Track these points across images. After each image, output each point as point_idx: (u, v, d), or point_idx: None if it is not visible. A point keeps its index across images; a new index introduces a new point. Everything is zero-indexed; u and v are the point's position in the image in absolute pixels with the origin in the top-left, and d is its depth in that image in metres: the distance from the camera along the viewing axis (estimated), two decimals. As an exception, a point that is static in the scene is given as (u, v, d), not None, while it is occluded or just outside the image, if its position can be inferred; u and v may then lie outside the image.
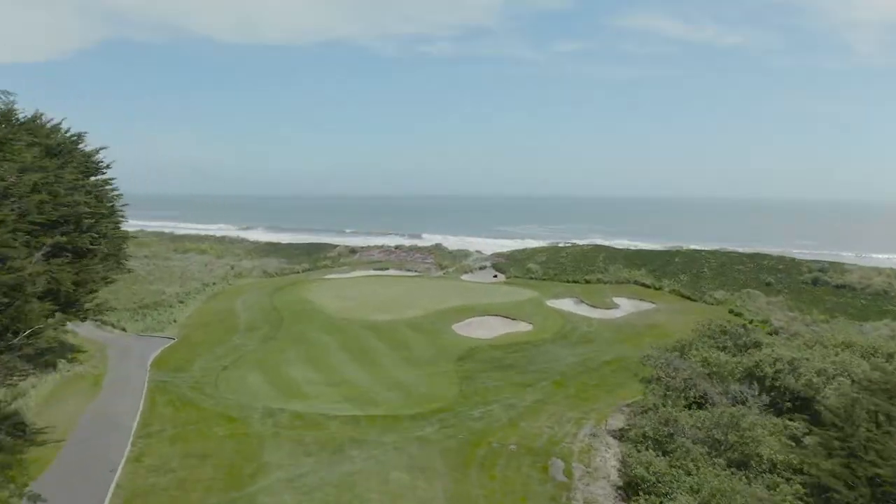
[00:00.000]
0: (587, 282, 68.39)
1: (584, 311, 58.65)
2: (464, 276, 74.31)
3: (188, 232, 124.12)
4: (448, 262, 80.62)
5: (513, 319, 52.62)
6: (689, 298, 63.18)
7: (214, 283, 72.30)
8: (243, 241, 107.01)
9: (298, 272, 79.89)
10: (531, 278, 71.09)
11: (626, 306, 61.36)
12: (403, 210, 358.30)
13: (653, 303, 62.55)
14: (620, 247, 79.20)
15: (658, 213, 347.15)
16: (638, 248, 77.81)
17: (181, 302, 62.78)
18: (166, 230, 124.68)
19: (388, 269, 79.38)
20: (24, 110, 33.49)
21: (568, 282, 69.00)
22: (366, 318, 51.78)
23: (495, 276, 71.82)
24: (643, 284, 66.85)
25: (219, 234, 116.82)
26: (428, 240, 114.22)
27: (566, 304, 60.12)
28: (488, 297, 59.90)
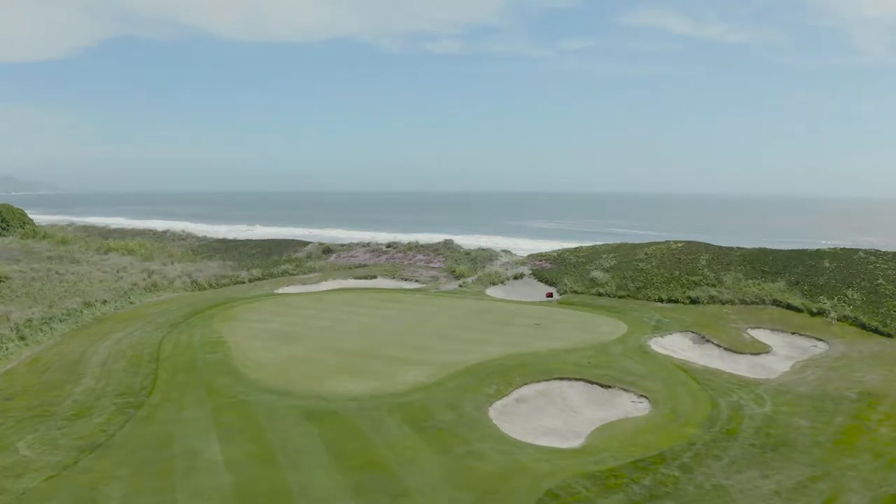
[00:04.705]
0: (693, 301, 42.42)
1: (717, 358, 32.86)
2: (491, 291, 48.31)
3: (130, 227, 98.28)
4: (464, 267, 54.63)
5: (606, 388, 26.78)
6: (878, 332, 37.23)
7: (104, 302, 46.85)
8: (187, 237, 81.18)
9: (244, 282, 54.19)
10: (600, 294, 45.02)
11: (779, 348, 35.60)
12: (402, 205, 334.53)
13: (818, 339, 36.83)
14: (723, 244, 52.65)
15: (670, 209, 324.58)
16: (760, 246, 51.51)
17: (21, 338, 37.65)
18: (100, 225, 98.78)
19: (375, 277, 53.51)
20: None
21: (661, 300, 43.02)
22: (316, 389, 25.93)
23: (550, 296, 45.65)
24: (789, 306, 40.88)
25: (160, 228, 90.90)
26: (433, 237, 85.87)
27: (683, 346, 34.29)
28: (546, 337, 33.95)
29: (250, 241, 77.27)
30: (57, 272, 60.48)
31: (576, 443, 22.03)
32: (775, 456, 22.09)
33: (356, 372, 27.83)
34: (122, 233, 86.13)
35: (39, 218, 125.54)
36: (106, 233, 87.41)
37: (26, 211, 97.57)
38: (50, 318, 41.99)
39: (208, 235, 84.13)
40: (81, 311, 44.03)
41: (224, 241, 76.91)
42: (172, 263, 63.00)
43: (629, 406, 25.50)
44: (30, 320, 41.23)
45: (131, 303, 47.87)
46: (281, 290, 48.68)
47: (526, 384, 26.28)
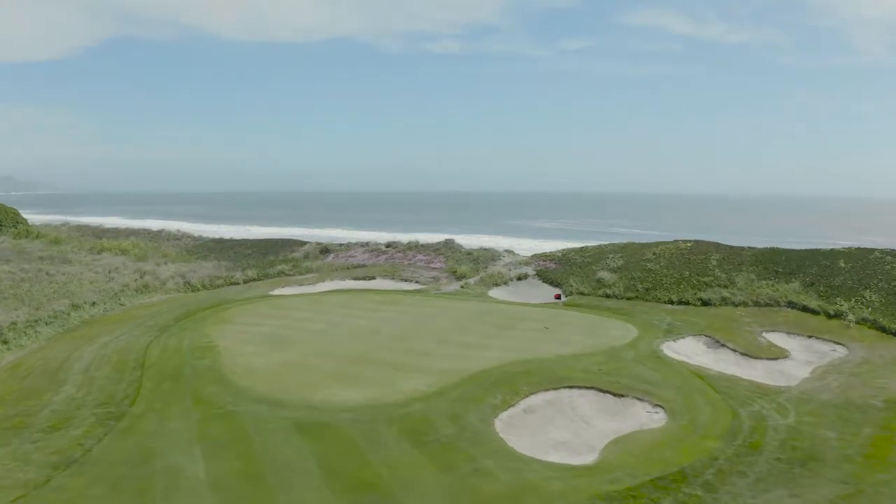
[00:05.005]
0: (705, 303, 40.82)
1: (733, 364, 31.29)
2: (493, 292, 46.74)
3: (125, 226, 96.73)
4: (466, 267, 53.06)
5: (619, 396, 25.19)
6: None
7: (93, 304, 45.29)
8: (183, 237, 79.56)
9: (239, 283, 52.61)
10: (607, 295, 43.41)
11: (797, 352, 34.00)
12: (402, 205, 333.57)
13: (836, 343, 35.24)
14: (745, 243, 50.79)
15: (671, 209, 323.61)
16: (769, 246, 49.75)
17: (4, 342, 36.20)
18: (94, 224, 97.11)
19: (373, 278, 51.94)
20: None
21: (671, 302, 41.42)
22: (309, 398, 24.31)
23: (558, 298, 44.02)
24: (805, 308, 39.29)
25: (156, 227, 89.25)
26: (433, 237, 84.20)
27: (697, 351, 32.71)
28: (553, 341, 32.34)
29: (246, 240, 75.64)
30: (47, 273, 58.89)
31: (589, 458, 20.44)
32: (803, 472, 20.53)
33: (352, 379, 26.23)
34: (116, 232, 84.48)
35: (37, 217, 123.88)
36: (100, 232, 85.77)
37: (26, 211, 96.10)
38: (35, 321, 40.42)
39: (204, 235, 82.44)
40: (69, 314, 42.43)
41: (220, 241, 75.22)
42: (166, 264, 61.44)
43: (644, 417, 23.91)
44: (14, 323, 39.64)
45: (121, 304, 46.29)
46: (276, 292, 47.09)
47: (533, 393, 24.68)
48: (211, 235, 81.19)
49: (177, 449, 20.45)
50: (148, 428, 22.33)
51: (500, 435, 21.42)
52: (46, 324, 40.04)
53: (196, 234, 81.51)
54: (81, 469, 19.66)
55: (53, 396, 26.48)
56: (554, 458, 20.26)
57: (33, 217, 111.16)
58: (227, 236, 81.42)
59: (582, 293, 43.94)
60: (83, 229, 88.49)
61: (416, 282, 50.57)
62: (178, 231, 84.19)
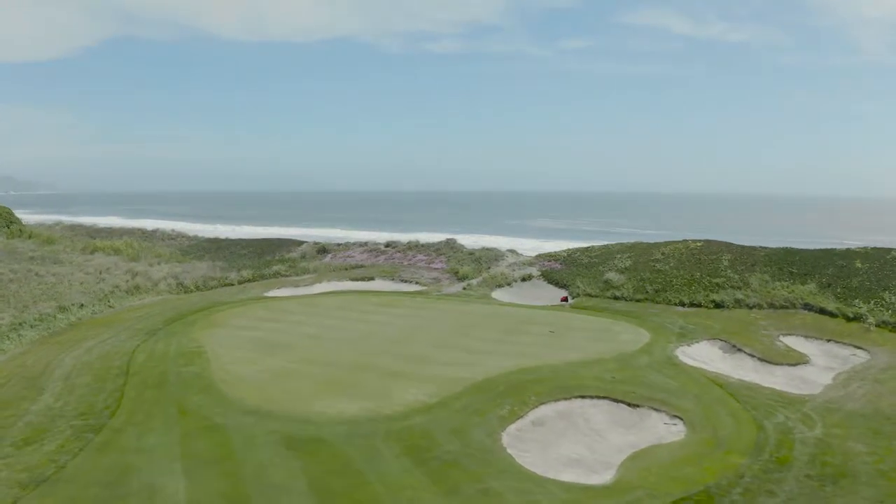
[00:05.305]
0: (717, 305, 39.15)
1: (751, 371, 29.65)
2: (497, 294, 45.05)
3: (119, 226, 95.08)
4: (468, 268, 51.35)
5: (634, 407, 23.52)
6: (923, 339, 33.96)
7: (81, 306, 43.60)
8: (177, 236, 77.87)
9: (233, 284, 50.93)
10: (616, 297, 41.72)
11: (816, 357, 32.36)
12: (402, 204, 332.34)
13: (857, 347, 33.60)
14: (748, 243, 49.23)
15: (671, 208, 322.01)
16: (782, 245, 48.03)
17: (-17, 348, 34.15)
18: (87, 224, 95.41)
19: (372, 278, 50.25)
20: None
21: (683, 304, 39.74)
22: (301, 410, 22.61)
23: (564, 300, 42.28)
24: (822, 310, 37.62)
25: (150, 227, 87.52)
26: (434, 236, 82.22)
27: (713, 356, 31.04)
28: (561, 347, 30.66)
29: (242, 240, 73.96)
30: (37, 273, 57.18)
31: (605, 477, 18.78)
32: (836, 490, 18.88)
33: (348, 389, 24.55)
34: (110, 232, 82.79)
35: (35, 217, 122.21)
36: (94, 232, 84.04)
37: (24, 210, 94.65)
38: (20, 324, 38.76)
39: (200, 235, 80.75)
40: (55, 316, 40.76)
41: (215, 241, 73.55)
42: (159, 264, 59.77)
43: (662, 429, 22.25)
44: (-4, 327, 38.01)
45: (110, 307, 44.62)
46: (271, 293, 45.42)
47: (543, 403, 23.01)
48: (206, 235, 79.57)
49: (157, 466, 18.80)
50: (127, 443, 20.67)
51: (508, 451, 19.76)
52: (31, 327, 38.38)
53: (191, 234, 79.81)
54: (52, 489, 18.02)
55: (31, 406, 24.82)
56: (567, 476, 18.61)
57: (31, 217, 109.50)
58: (222, 236, 79.75)
59: (589, 295, 42.26)
60: (77, 229, 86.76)
61: (417, 283, 48.90)
62: (173, 231, 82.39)
